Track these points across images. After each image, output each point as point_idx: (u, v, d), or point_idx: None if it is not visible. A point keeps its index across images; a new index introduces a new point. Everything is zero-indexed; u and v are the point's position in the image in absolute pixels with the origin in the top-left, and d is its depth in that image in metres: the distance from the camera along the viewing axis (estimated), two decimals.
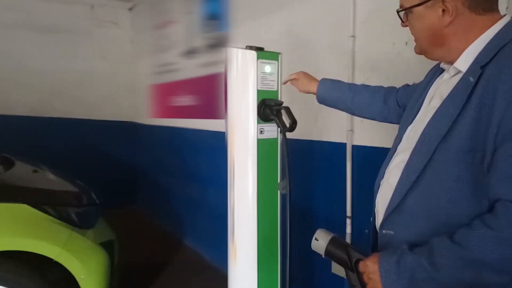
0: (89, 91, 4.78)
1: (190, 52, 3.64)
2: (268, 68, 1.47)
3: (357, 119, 1.99)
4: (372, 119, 1.47)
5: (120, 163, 4.91)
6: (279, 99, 1.51)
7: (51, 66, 4.56)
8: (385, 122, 1.42)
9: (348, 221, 2.02)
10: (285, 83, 1.56)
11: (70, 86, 4.67)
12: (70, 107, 4.67)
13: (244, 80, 1.46)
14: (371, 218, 1.22)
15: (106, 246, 2.13)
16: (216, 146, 3.22)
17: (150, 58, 4.55)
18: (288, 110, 1.40)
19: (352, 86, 1.47)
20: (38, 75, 4.49)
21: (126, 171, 5.00)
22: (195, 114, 3.60)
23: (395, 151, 1.14)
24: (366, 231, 2.01)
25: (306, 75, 1.55)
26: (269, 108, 1.43)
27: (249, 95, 1.45)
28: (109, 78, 4.91)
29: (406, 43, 1.73)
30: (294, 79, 1.57)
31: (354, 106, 1.42)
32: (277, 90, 1.50)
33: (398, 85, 1.44)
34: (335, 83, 1.46)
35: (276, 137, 1.51)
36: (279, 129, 1.47)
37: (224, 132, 2.84)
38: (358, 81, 1.97)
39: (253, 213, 1.47)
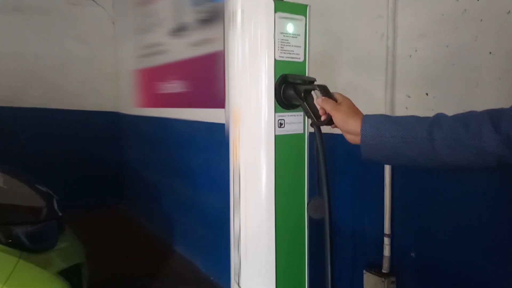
0: (67, 78, 4.25)
1: (179, 30, 3.13)
2: (291, 27, 0.97)
3: (394, 102, 1.49)
4: (474, 167, 0.77)
5: (102, 159, 4.39)
6: (306, 74, 1.01)
7: (23, 51, 4.03)
8: (502, 167, 0.74)
9: (387, 241, 1.53)
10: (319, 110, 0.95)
11: (45, 72, 4.14)
12: (45, 96, 4.15)
13: (254, 45, 0.96)
14: None
15: (71, 273, 1.63)
16: (213, 140, 2.72)
17: (134, 39, 4.02)
18: (325, 90, 0.90)
19: (420, 118, 0.80)
20: (7, 60, 3.96)
21: (110, 167, 4.48)
22: (187, 102, 3.08)
23: None
24: (412, 254, 1.55)
25: (348, 101, 0.89)
26: (293, 89, 0.93)
27: (261, 68, 0.95)
28: (88, 63, 4.36)
29: None
30: (327, 100, 0.88)
31: (436, 148, 0.74)
32: (305, 61, 1.00)
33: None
34: (389, 118, 0.83)
35: (302, 131, 1.01)
36: (308, 120, 0.97)
37: (223, 124, 2.34)
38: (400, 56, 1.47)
39: (269, 247, 0.97)
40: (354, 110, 0.86)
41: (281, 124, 0.97)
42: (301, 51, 0.99)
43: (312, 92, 0.93)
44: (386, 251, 1.53)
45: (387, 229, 1.53)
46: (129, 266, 3.06)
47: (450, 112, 1.22)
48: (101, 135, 4.41)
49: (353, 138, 0.84)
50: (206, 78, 2.78)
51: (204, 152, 2.84)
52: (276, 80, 0.95)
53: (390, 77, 1.49)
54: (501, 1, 1.18)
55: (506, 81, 1.19)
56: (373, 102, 1.55)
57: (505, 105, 1.19)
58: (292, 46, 0.97)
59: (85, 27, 4.35)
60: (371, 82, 1.57)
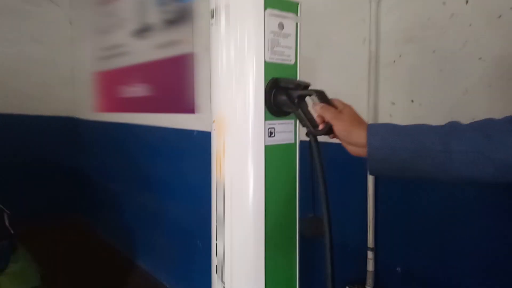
0: (20, 81, 3.96)
1: (143, 31, 2.97)
2: (282, 26, 0.87)
3: (378, 109, 1.43)
4: (498, 183, 0.66)
5: (57, 167, 4.12)
6: (297, 78, 0.91)
7: None
8: None
9: (370, 255, 1.45)
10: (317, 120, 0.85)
11: None
12: None
13: (240, 45, 0.85)
14: None
15: None
16: (179, 147, 2.58)
17: (93, 40, 3.80)
18: (323, 96, 0.81)
19: (433, 128, 0.71)
20: None
21: (66, 176, 4.21)
22: (152, 107, 2.92)
23: None
24: (398, 269, 1.49)
25: (349, 109, 0.81)
26: (286, 94, 0.84)
27: (249, 71, 0.85)
28: (43, 65, 4.09)
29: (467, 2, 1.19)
30: (327, 107, 0.80)
31: (454, 162, 0.65)
32: (296, 64, 0.91)
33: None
34: (397, 127, 0.73)
35: (293, 141, 0.92)
36: (300, 129, 0.88)
37: (192, 131, 2.22)
38: (386, 56, 1.41)
39: (258, 275, 0.86)
40: (357, 119, 0.77)
41: (271, 133, 0.87)
42: (292, 52, 0.90)
43: (307, 98, 0.84)
44: (370, 266, 1.46)
45: (370, 242, 1.46)
46: (89, 284, 2.85)
47: (437, 120, 1.16)
48: (56, 141, 4.14)
49: (357, 150, 0.75)
50: (173, 82, 2.64)
51: (170, 160, 2.70)
52: (266, 84, 0.85)
53: (373, 83, 1.43)
54: (492, 5, 1.14)
55: (497, 88, 1.14)
56: (356, 109, 1.47)
57: (496, 113, 1.15)
58: (283, 47, 0.88)
59: (39, 26, 4.08)
60: (354, 88, 1.50)
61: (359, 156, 0.75)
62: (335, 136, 0.79)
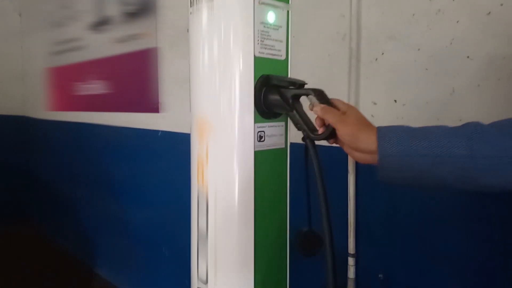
0: None
1: (101, 24, 2.78)
2: (272, 17, 0.77)
3: (358, 109, 1.37)
4: None
5: (5, 169, 3.82)
6: (288, 74, 0.82)
7: None
8: None
9: (351, 261, 1.39)
10: (316, 123, 0.76)
11: None
12: None
13: (226, 38, 0.74)
14: None
15: None
16: (142, 148, 2.43)
17: (46, 33, 3.54)
18: (322, 95, 0.72)
19: (452, 130, 0.63)
20: None
21: (17, 178, 3.92)
22: (112, 106, 2.74)
23: None
24: (380, 276, 1.43)
25: (355, 111, 0.73)
26: (279, 93, 0.74)
27: (236, 67, 0.74)
28: None
29: None
30: (330, 109, 0.71)
31: (480, 168, 0.58)
32: (287, 60, 0.82)
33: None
34: (411, 130, 0.64)
35: (284, 146, 0.82)
36: (292, 132, 0.79)
37: (157, 131, 2.08)
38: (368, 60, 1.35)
39: None
40: (364, 122, 0.69)
41: (261, 137, 0.77)
42: (283, 46, 0.80)
43: (301, 99, 0.75)
44: (351, 273, 1.39)
45: (351, 248, 1.39)
46: None
47: (422, 121, 1.10)
48: (5, 142, 3.84)
49: (365, 157, 0.67)
50: (134, 79, 2.48)
51: (132, 163, 2.54)
52: (256, 81, 0.75)
53: (354, 82, 1.36)
54: (480, 1, 1.10)
55: (486, 88, 1.10)
56: None
57: (484, 114, 1.10)
58: (273, 40, 0.78)
59: None
60: (332, 88, 1.42)
61: (368, 163, 0.67)
62: (336, 142, 0.71)
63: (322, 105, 0.70)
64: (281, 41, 0.79)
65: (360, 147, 0.66)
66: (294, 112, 0.73)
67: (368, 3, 1.34)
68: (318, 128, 0.71)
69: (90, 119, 2.94)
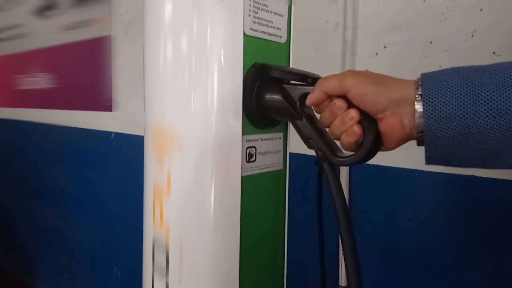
0: None
1: (47, 9, 2.44)
2: None
3: None
4: None
5: None
6: (290, 63, 0.57)
7: None
8: None
9: None
10: (315, 103, 0.48)
11: None
12: None
13: (200, 5, 0.48)
14: None
15: None
16: (92, 152, 2.11)
17: None
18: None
19: None
20: None
21: None
22: (56, 102, 2.39)
23: None
24: None
25: (369, 75, 0.45)
26: (280, 91, 0.49)
27: (214, 51, 0.48)
28: None
29: None
30: (326, 78, 0.47)
31: None
32: (289, 43, 0.57)
33: None
34: (477, 73, 0.41)
35: (282, 167, 0.57)
36: (298, 144, 0.54)
37: (109, 133, 1.78)
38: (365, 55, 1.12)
39: None
40: (381, 75, 0.46)
41: (251, 155, 0.52)
42: (283, 23, 0.55)
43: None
44: None
45: (342, 280, 1.16)
46: None
47: None
48: None
49: (394, 127, 0.43)
50: (84, 72, 2.16)
51: (79, 168, 2.21)
52: (245, 74, 0.49)
53: None
54: None
55: None
56: None
57: None
58: (271, 12, 0.53)
59: None
60: None
61: (397, 144, 0.44)
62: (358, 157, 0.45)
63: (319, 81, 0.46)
64: (281, 16, 0.54)
65: (392, 97, 0.42)
66: (304, 120, 0.48)
67: None
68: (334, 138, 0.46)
69: (30, 117, 2.57)
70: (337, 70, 1.14)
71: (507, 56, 0.91)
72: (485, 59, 0.93)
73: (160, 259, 0.51)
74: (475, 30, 0.95)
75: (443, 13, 0.99)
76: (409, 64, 1.05)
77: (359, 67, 1.13)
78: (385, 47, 1.09)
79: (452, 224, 1.01)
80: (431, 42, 1.01)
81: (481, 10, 0.94)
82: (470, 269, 0.99)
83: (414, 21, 1.04)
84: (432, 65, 1.00)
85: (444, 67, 0.94)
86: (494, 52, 0.92)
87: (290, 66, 0.57)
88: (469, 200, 0.98)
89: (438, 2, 0.99)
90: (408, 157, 1.04)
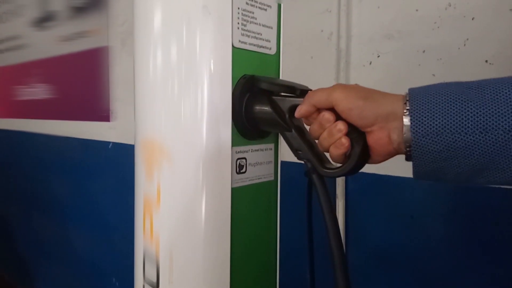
0: None
1: (45, 20, 2.45)
2: None
3: None
4: None
5: None
6: (280, 75, 0.58)
7: None
8: None
9: None
10: (304, 115, 0.48)
11: None
12: None
13: (189, 17, 0.49)
14: None
15: None
16: (89, 162, 2.11)
17: None
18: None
19: None
20: None
21: None
22: (54, 113, 2.40)
23: None
24: None
25: (357, 90, 0.46)
26: (269, 102, 0.49)
27: (203, 62, 0.49)
28: None
29: None
30: (317, 91, 0.47)
31: None
32: (278, 55, 0.57)
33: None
34: (461, 89, 0.40)
35: (273, 177, 0.57)
36: (288, 155, 0.54)
37: (107, 143, 1.78)
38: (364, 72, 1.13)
39: None
40: (371, 90, 0.46)
41: (241, 167, 0.52)
42: (272, 35, 0.56)
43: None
44: None
45: None
46: None
47: None
48: None
49: (381, 141, 0.43)
50: (82, 83, 2.17)
51: (78, 178, 2.21)
52: (234, 86, 0.50)
53: None
54: None
55: None
56: None
57: None
58: (260, 25, 0.53)
59: None
60: None
61: (384, 157, 0.44)
62: (357, 163, 0.45)
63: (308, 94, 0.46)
64: (270, 28, 0.55)
65: (379, 112, 0.42)
66: (293, 132, 0.48)
67: None
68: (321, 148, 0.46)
69: (28, 128, 2.57)
70: (331, 79, 1.15)
71: (499, 64, 0.91)
72: (477, 68, 0.93)
73: (151, 272, 0.51)
74: (467, 39, 0.95)
75: (435, 22, 0.99)
76: (403, 72, 1.05)
77: (353, 75, 1.14)
78: (378, 56, 1.09)
79: (448, 232, 1.01)
80: (424, 51, 1.02)
81: (473, 19, 0.94)
82: (467, 277, 0.98)
83: (407, 30, 1.04)
84: (425, 74, 1.01)
85: (437, 75, 0.95)
86: (486, 61, 0.93)
87: (280, 77, 0.58)
88: (464, 208, 0.98)
89: (430, 11, 1.00)
90: (404, 165, 1.04)
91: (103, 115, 2.00)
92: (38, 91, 2.52)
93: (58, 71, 2.37)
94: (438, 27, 0.99)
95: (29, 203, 2.65)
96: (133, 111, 1.66)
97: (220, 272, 0.50)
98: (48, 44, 2.44)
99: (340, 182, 1.16)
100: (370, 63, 1.11)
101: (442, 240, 1.02)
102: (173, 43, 0.49)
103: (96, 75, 2.03)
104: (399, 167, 1.07)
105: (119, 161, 1.92)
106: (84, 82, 2.15)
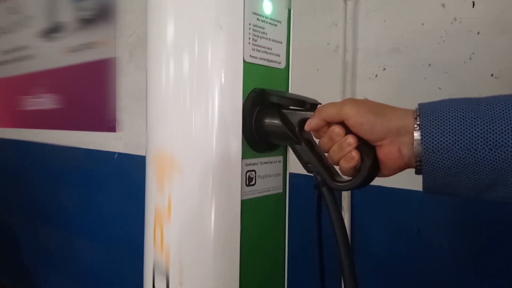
0: None
1: (53, 31, 2.48)
2: (269, 7, 0.54)
3: None
4: None
5: None
6: (289, 89, 0.58)
7: None
8: None
9: None
10: (314, 129, 0.48)
11: None
12: None
13: (201, 30, 0.50)
14: None
15: None
16: (95, 172, 2.12)
17: None
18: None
19: None
20: None
21: None
22: (61, 123, 2.42)
23: None
24: None
25: (367, 104, 0.47)
26: (279, 116, 0.50)
27: (214, 76, 0.49)
28: None
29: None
30: (326, 106, 0.48)
31: None
32: (287, 69, 0.58)
33: None
34: (469, 104, 0.41)
35: (282, 190, 0.58)
36: (296, 167, 0.55)
37: (113, 153, 1.79)
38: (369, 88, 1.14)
39: None
40: (381, 104, 0.46)
41: (250, 179, 0.52)
42: (282, 50, 0.56)
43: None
44: None
45: None
46: None
47: None
48: None
49: (392, 155, 0.43)
50: (89, 93, 2.19)
51: (83, 188, 2.21)
52: (245, 99, 0.50)
53: None
54: (506, 8, 0.91)
55: None
56: None
57: None
58: (270, 40, 0.54)
59: None
60: None
61: (394, 171, 0.44)
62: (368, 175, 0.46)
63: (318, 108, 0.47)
64: (280, 43, 0.56)
65: (390, 126, 0.43)
66: (303, 145, 0.48)
67: (367, 9, 1.13)
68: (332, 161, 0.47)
69: (35, 137, 2.59)
70: (337, 92, 1.16)
71: (505, 78, 0.92)
72: (483, 81, 0.94)
73: (160, 283, 0.52)
74: (473, 53, 0.96)
75: (441, 36, 1.00)
76: (409, 86, 1.06)
77: (359, 88, 1.14)
78: (384, 69, 1.10)
79: (455, 246, 1.01)
80: (430, 65, 1.03)
81: (478, 33, 0.95)
82: None
83: (413, 44, 1.05)
84: (431, 87, 1.02)
85: (443, 89, 0.96)
86: (492, 75, 0.93)
87: (289, 91, 0.59)
88: (471, 222, 0.98)
89: (436, 25, 1.01)
90: (410, 178, 1.04)
91: (109, 125, 2.01)
92: (45, 101, 2.54)
93: (66, 81, 2.39)
94: (444, 41, 1.00)
95: (35, 213, 2.66)
96: (139, 122, 1.68)
97: (229, 284, 0.50)
98: (55, 54, 2.47)
99: (346, 194, 1.16)
100: (376, 76, 1.12)
101: (449, 254, 1.01)
102: (185, 57, 0.50)
103: (103, 85, 2.05)
104: (405, 179, 1.07)
105: (124, 172, 1.92)
106: (91, 93, 2.17)
